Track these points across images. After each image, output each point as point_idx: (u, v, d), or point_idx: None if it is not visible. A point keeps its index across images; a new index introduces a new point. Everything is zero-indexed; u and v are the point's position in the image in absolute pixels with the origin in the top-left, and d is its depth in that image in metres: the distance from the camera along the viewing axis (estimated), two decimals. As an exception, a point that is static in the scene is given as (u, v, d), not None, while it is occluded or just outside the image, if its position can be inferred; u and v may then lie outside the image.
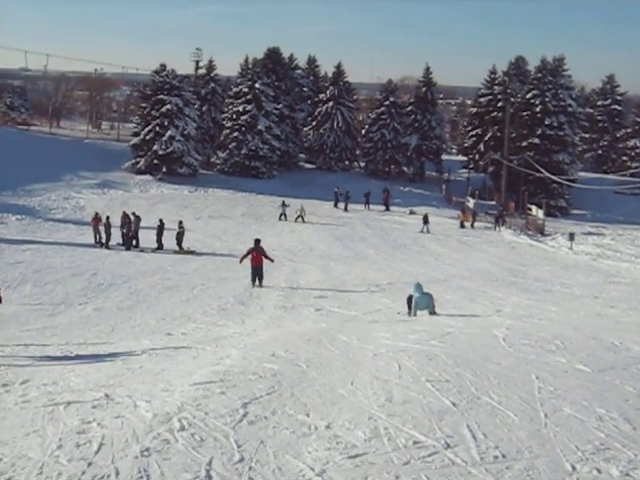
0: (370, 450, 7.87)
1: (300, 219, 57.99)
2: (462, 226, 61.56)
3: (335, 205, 67.85)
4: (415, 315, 21.61)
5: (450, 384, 10.53)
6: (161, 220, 41.11)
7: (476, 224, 62.81)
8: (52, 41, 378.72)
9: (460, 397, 9.89)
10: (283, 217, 58.82)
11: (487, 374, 11.14)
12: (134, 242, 40.34)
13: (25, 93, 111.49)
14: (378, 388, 10.34)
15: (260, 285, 29.01)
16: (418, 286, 22.07)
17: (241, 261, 30.16)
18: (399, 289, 28.43)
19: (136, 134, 78.85)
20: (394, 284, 29.59)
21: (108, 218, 40.97)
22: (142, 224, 42.06)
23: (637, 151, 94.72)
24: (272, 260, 30.32)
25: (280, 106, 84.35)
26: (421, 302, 21.73)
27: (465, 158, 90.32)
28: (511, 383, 10.67)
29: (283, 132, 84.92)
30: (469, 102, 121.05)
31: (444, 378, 10.86)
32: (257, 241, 30.57)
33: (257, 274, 29.24)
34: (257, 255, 29.50)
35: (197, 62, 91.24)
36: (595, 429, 8.70)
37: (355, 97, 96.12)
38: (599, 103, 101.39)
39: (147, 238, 40.27)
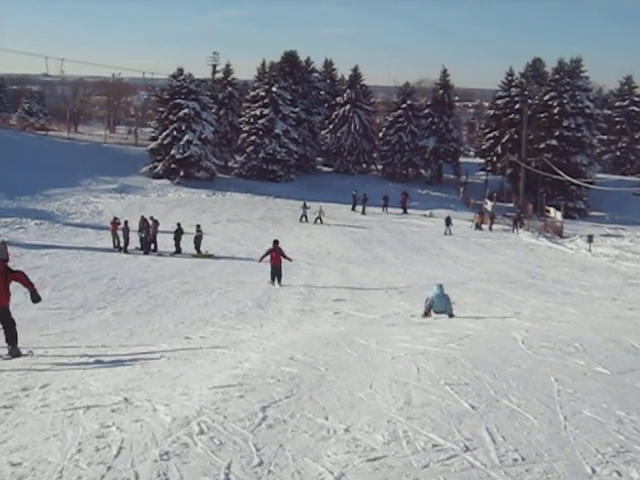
0: (389, 453, 7.85)
1: (319, 220, 58.32)
2: (478, 228, 61.56)
3: (353, 208, 67.90)
4: (429, 315, 21.81)
5: (469, 387, 10.51)
6: (179, 224, 41.21)
7: (494, 226, 62.76)
8: (70, 46, 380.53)
9: (479, 400, 9.86)
10: (304, 218, 59.51)
11: (506, 377, 11.11)
12: (152, 246, 40.46)
13: (43, 98, 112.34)
14: (397, 391, 10.32)
15: (279, 284, 30.14)
16: (439, 287, 22.28)
17: (260, 260, 31.90)
18: (417, 292, 28.41)
19: (154, 138, 79.21)
20: (412, 287, 29.58)
21: (127, 222, 41.10)
22: (160, 228, 42.19)
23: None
24: (290, 260, 32.17)
25: (297, 109, 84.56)
26: (438, 302, 21.88)
27: (483, 160, 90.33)
28: (530, 386, 10.64)
29: (300, 135, 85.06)
30: (486, 104, 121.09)
31: (463, 381, 10.84)
32: (275, 242, 31.83)
33: (276, 273, 30.50)
34: (276, 255, 30.88)
35: (214, 66, 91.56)
36: (615, 432, 8.66)
37: (372, 100, 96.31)
38: (617, 104, 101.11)
39: (165, 242, 40.38)
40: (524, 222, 65.21)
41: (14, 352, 14.77)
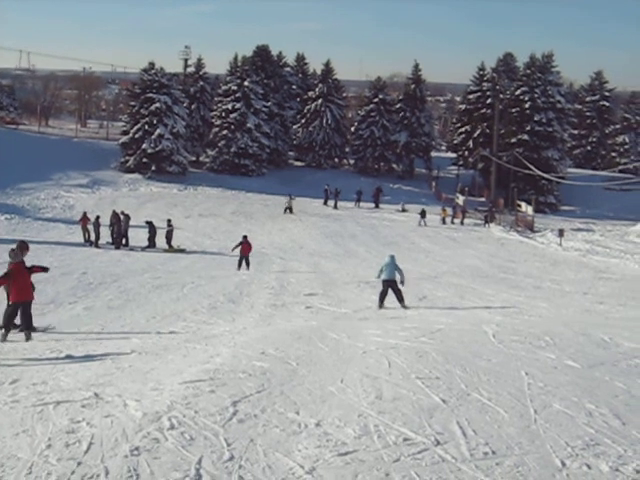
0: (360, 447, 7.87)
1: (288, 210, 60.16)
2: (443, 222, 61.79)
3: (325, 203, 68.01)
4: (378, 277, 24.26)
5: (440, 381, 10.54)
6: (151, 222, 40.97)
7: (465, 220, 63.02)
8: (40, 40, 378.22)
9: (450, 394, 9.89)
10: (288, 211, 60.81)
11: (477, 370, 11.15)
12: (124, 241, 40.33)
13: (13, 92, 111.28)
14: (368, 385, 10.34)
15: (248, 269, 33.98)
16: (391, 257, 24.39)
17: (233, 250, 35.77)
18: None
19: (125, 132, 78.91)
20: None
21: (98, 218, 40.91)
22: (132, 223, 42.06)
23: (626, 147, 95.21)
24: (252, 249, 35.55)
25: (269, 104, 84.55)
26: (387, 270, 23.76)
27: (454, 155, 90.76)
28: (501, 379, 10.68)
29: (272, 130, 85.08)
30: (458, 99, 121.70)
31: (434, 375, 10.87)
32: (245, 237, 35.94)
33: (245, 261, 34.54)
34: (246, 246, 34.86)
35: (186, 60, 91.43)
36: (585, 425, 8.71)
37: (344, 94, 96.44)
38: (588, 99, 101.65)
39: (136, 237, 40.25)
40: (495, 216, 65.50)
41: (29, 336, 17.17)
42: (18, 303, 17.40)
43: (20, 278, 17.46)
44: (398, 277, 23.77)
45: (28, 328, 17.42)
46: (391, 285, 23.68)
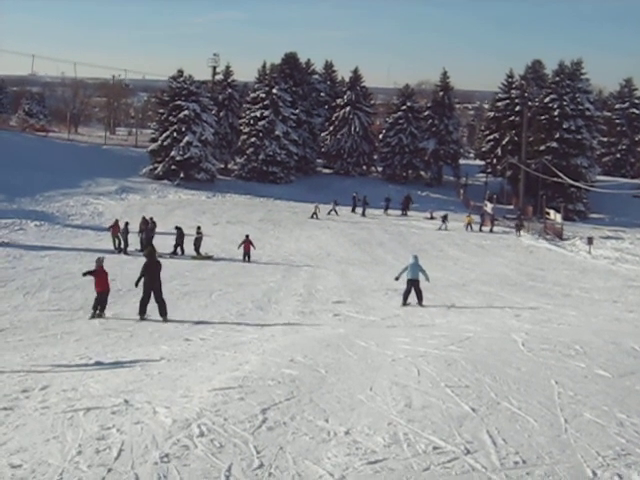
0: (390, 456, 7.85)
1: (315, 216, 61.51)
2: (468, 229, 61.68)
3: (353, 210, 67.99)
4: (397, 279, 26.90)
5: (469, 389, 10.51)
6: (179, 227, 41.07)
7: (495, 228, 62.79)
8: (69, 48, 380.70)
9: (480, 402, 9.86)
10: (315, 216, 62.71)
11: (506, 379, 11.11)
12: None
13: (43, 100, 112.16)
14: (397, 393, 10.32)
15: (249, 261, 39.59)
16: (415, 257, 27.02)
17: (238, 248, 40.62)
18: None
19: (154, 140, 79.18)
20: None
21: (127, 224, 41.04)
22: (161, 230, 42.18)
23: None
24: (255, 247, 41.17)
25: (297, 111, 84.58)
26: (411, 270, 26.09)
27: (483, 162, 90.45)
28: (531, 388, 10.64)
29: (300, 137, 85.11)
30: (486, 106, 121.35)
31: (463, 383, 10.84)
32: (247, 236, 41.45)
33: (247, 255, 40.08)
34: (247, 244, 40.33)
35: (214, 68, 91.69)
36: (616, 434, 8.66)
37: (372, 102, 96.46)
38: (617, 106, 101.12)
39: (165, 243, 40.33)
40: (524, 224, 65.26)
41: (97, 315, 22.61)
42: (103, 292, 23.05)
43: (102, 276, 23.23)
44: (422, 277, 25.96)
45: (102, 309, 22.80)
46: (414, 285, 25.93)
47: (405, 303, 25.72)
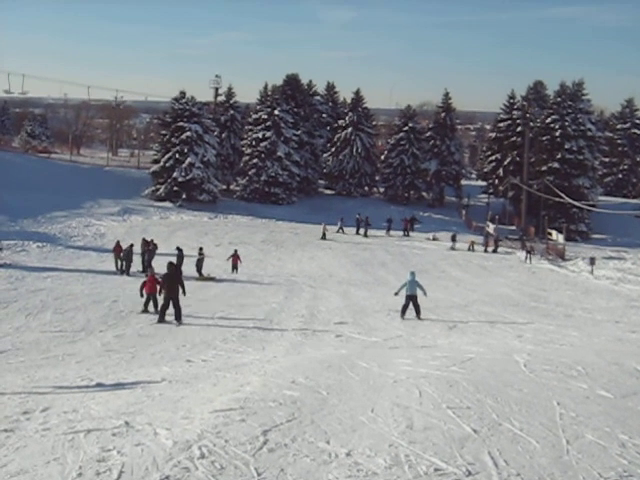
0: (391, 478, 7.83)
1: (324, 236, 62.32)
2: (470, 249, 61.70)
3: (357, 232, 68.01)
4: (396, 294, 28.70)
5: (471, 411, 10.49)
6: (179, 248, 41.06)
7: (499, 249, 62.87)
8: (72, 70, 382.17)
9: (481, 424, 9.84)
10: (341, 230, 66.86)
11: (508, 400, 11.09)
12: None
13: (46, 121, 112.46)
14: (399, 415, 10.30)
15: (236, 272, 43.24)
16: (412, 274, 28.72)
17: (227, 259, 44.89)
18: (422, 319, 28.40)
19: (156, 161, 79.42)
20: (420, 319, 29.47)
21: (132, 246, 40.99)
22: (162, 251, 42.20)
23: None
24: (241, 261, 44.81)
25: (299, 132, 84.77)
26: (410, 286, 27.82)
27: (484, 183, 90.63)
28: (532, 409, 10.62)
29: (302, 158, 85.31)
30: (488, 127, 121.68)
31: (465, 405, 10.82)
32: (235, 250, 45.97)
33: (235, 268, 43.97)
34: (235, 258, 44.31)
35: (216, 89, 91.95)
36: (618, 455, 8.64)
37: (374, 123, 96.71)
38: (619, 127, 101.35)
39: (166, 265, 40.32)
40: (526, 245, 65.25)
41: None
42: (150, 294, 27.42)
43: (151, 280, 27.79)
44: (419, 292, 27.89)
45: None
46: (412, 300, 27.77)
47: (403, 317, 27.52)
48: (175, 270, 26.97)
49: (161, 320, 25.28)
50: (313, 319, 27.27)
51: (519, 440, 9.19)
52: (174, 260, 32.39)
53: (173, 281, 25.98)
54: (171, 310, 25.33)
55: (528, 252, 59.37)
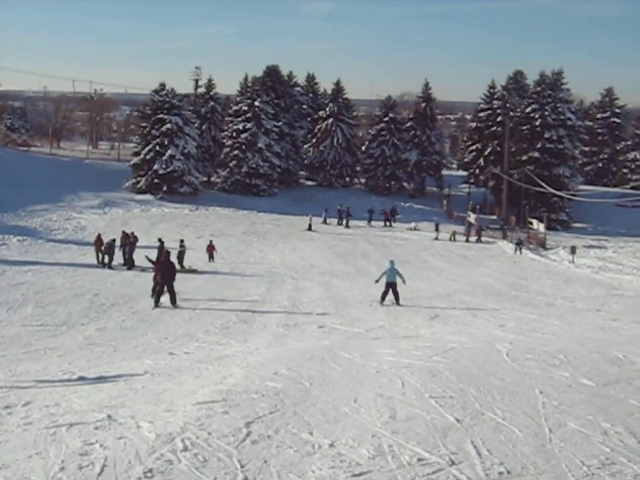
0: (374, 468, 7.83)
1: (310, 228, 62.59)
2: (452, 239, 61.87)
3: (339, 222, 68.06)
4: (377, 282, 30.01)
5: (454, 400, 10.50)
6: (161, 240, 40.89)
7: (472, 238, 63.01)
8: (51, 62, 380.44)
9: (464, 413, 9.86)
10: (344, 222, 68.23)
11: (491, 390, 11.12)
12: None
13: (25, 114, 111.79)
14: (381, 405, 10.31)
15: (213, 261, 44.71)
16: (391, 262, 30.41)
17: (207, 251, 45.45)
18: (402, 305, 28.45)
19: (136, 154, 79.20)
20: (399, 305, 29.52)
21: (114, 240, 40.78)
22: (143, 243, 42.10)
23: (637, 163, 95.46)
24: (216, 251, 46.16)
25: (280, 124, 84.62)
26: (390, 274, 29.31)
27: (465, 173, 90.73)
28: (515, 398, 10.64)
29: (283, 150, 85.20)
30: (468, 117, 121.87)
31: (448, 394, 10.83)
32: (211, 241, 47.61)
33: (211, 257, 45.23)
34: (211, 248, 45.81)
35: (196, 81, 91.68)
36: (600, 444, 8.67)
37: (355, 114, 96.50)
38: (598, 116, 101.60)
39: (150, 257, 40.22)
40: (507, 234, 65.45)
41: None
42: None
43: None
44: (399, 280, 29.23)
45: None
46: (392, 286, 29.14)
47: (382, 303, 28.97)
48: (168, 258, 29.19)
49: (156, 305, 27.11)
50: (295, 310, 27.30)
51: (502, 429, 9.21)
52: (173, 253, 33.99)
53: (167, 268, 28.06)
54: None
55: (518, 244, 58.83)
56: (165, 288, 27.65)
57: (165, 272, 27.82)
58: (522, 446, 8.55)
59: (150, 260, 30.72)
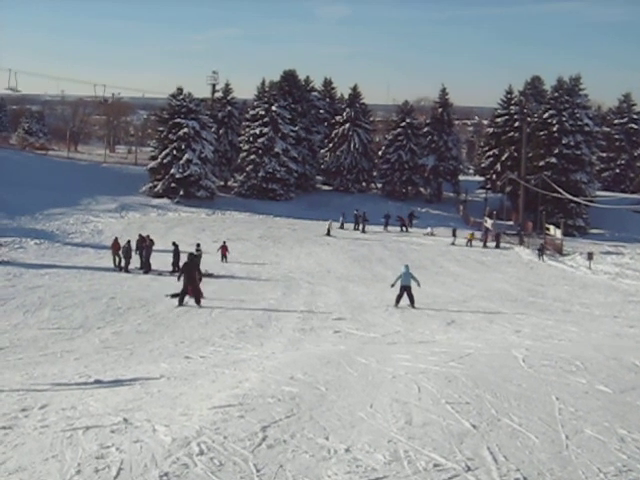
0: (390, 473, 7.81)
1: (329, 233, 62.49)
2: (468, 244, 61.76)
3: (356, 228, 68.05)
4: (393, 286, 30.44)
5: (470, 406, 10.47)
6: (175, 243, 40.95)
7: (489, 244, 62.87)
8: (69, 66, 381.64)
9: (480, 419, 9.83)
10: (360, 227, 68.32)
11: (507, 395, 11.08)
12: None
13: (43, 118, 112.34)
14: (397, 410, 10.29)
15: (225, 261, 46.17)
16: (406, 266, 31.05)
17: (218, 250, 47.26)
18: (418, 310, 28.41)
19: (153, 158, 79.49)
20: (414, 308, 29.49)
21: (129, 242, 40.88)
22: (159, 247, 42.21)
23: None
24: (229, 251, 47.74)
25: (297, 128, 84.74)
26: (404, 277, 29.87)
27: (482, 178, 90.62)
28: (531, 404, 10.60)
29: (300, 154, 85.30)
30: (485, 122, 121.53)
31: (464, 400, 10.80)
32: (224, 242, 49.13)
33: (224, 257, 46.68)
34: (224, 248, 47.30)
35: (214, 85, 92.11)
36: (617, 450, 8.63)
37: (371, 119, 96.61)
38: (616, 122, 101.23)
39: (165, 261, 40.30)
40: (524, 240, 65.30)
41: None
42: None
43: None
44: (413, 283, 29.82)
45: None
46: (407, 290, 29.68)
47: (397, 305, 29.51)
48: (194, 260, 30.36)
49: (180, 304, 28.19)
50: (311, 315, 27.25)
51: (518, 435, 9.17)
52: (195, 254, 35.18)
53: (192, 270, 28.90)
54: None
55: (540, 250, 58.40)
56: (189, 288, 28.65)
57: (189, 273, 28.69)
58: (538, 452, 8.52)
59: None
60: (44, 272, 36.92)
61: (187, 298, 28.52)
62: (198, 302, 28.27)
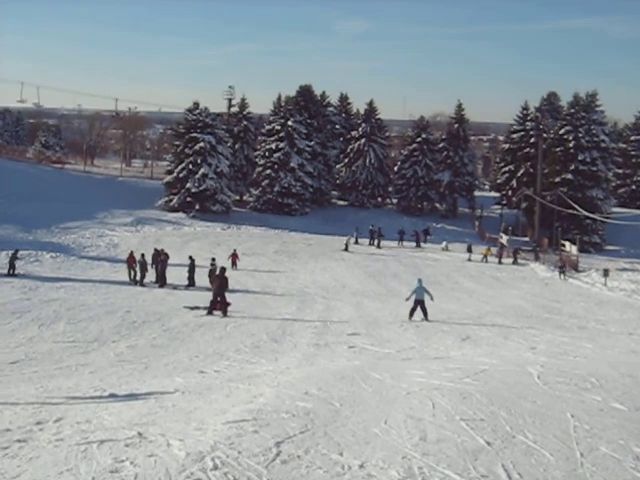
0: (404, 490, 7.80)
1: (346, 248, 62.65)
2: (484, 260, 61.53)
3: (371, 243, 68.01)
4: (407, 300, 30.96)
5: (484, 423, 10.45)
6: (191, 257, 41.04)
7: (504, 260, 62.68)
8: (86, 80, 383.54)
9: (495, 436, 9.80)
10: (375, 242, 68.22)
11: (522, 412, 11.05)
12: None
13: (60, 132, 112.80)
14: (412, 427, 10.27)
15: (235, 268, 48.16)
16: (419, 281, 31.51)
17: (228, 258, 48.70)
18: (432, 326, 28.36)
19: (169, 172, 79.67)
20: (427, 321, 29.47)
21: (143, 256, 40.97)
22: (175, 261, 42.26)
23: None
24: (239, 259, 50.48)
25: (312, 143, 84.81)
26: (418, 291, 30.34)
27: (498, 194, 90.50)
28: (546, 422, 10.57)
29: (315, 169, 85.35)
30: (501, 138, 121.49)
31: (478, 417, 10.78)
32: (235, 250, 51.82)
33: (235, 265, 48.93)
34: (234, 256, 49.97)
35: (230, 100, 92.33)
36: (632, 469, 8.60)
37: (387, 134, 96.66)
38: (632, 138, 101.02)
39: (180, 275, 40.36)
40: (539, 256, 65.14)
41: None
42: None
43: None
44: (427, 297, 30.34)
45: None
46: (420, 304, 30.21)
47: (411, 318, 30.09)
48: (223, 273, 31.61)
49: (210, 312, 30.08)
50: (326, 330, 27.23)
51: (533, 453, 9.15)
52: (225, 267, 34.63)
53: (222, 281, 30.64)
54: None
55: (561, 267, 57.75)
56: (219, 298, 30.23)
57: (219, 285, 30.45)
58: (553, 470, 8.49)
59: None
60: (60, 285, 37.04)
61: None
62: (225, 313, 29.81)
